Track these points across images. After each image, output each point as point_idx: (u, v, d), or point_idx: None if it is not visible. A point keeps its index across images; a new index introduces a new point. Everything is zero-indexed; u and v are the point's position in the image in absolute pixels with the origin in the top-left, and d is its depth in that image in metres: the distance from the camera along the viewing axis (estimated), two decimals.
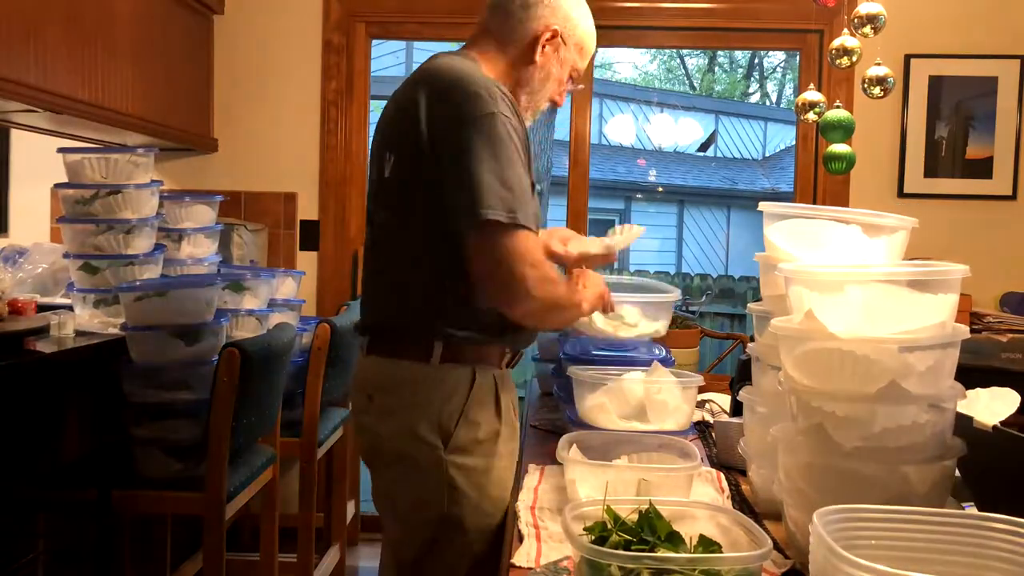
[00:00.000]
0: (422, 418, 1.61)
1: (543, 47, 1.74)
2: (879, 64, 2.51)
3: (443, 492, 1.61)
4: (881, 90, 2.51)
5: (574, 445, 1.57)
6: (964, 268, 1.18)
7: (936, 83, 3.61)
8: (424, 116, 1.59)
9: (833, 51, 2.47)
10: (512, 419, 1.73)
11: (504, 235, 1.53)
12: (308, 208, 3.75)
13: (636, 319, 2.04)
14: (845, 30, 2.41)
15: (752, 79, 13.82)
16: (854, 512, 1.00)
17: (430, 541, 1.64)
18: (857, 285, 1.20)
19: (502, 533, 1.61)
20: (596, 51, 1.91)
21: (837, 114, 2.65)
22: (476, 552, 1.65)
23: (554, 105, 1.85)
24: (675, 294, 2.12)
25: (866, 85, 2.52)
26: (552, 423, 2.11)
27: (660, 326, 2.06)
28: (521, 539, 1.35)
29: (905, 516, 1.01)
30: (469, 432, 1.63)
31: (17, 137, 3.12)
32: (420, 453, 1.61)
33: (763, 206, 1.51)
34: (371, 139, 2.01)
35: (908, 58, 3.59)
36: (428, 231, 1.61)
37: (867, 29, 2.31)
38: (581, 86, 1.94)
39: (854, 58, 2.46)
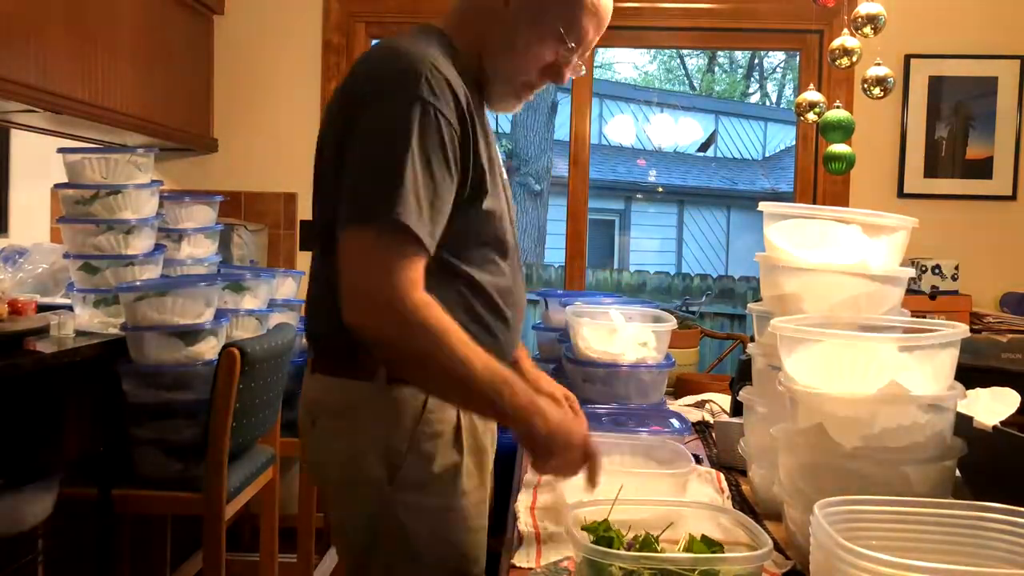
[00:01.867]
0: (367, 448, 1.36)
1: None
2: (879, 64, 2.51)
3: (391, 535, 1.35)
4: (881, 90, 2.51)
5: None
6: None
7: (936, 83, 3.61)
8: (342, 101, 1.36)
9: (833, 51, 2.47)
10: (479, 450, 1.44)
11: (374, 245, 1.25)
12: (308, 208, 3.73)
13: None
14: (845, 30, 2.41)
15: (752, 79, 13.81)
16: (855, 503, 1.01)
17: None
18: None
19: None
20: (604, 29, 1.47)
21: (837, 114, 2.66)
22: None
23: (555, 80, 1.48)
24: (672, 323, 2.21)
25: (866, 85, 2.52)
26: None
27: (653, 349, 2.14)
28: (521, 540, 1.35)
29: (905, 508, 1.02)
30: (420, 466, 1.35)
31: (17, 137, 3.12)
32: (364, 488, 1.36)
33: (763, 206, 1.51)
34: None
35: (908, 58, 3.59)
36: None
37: (867, 29, 2.31)
38: (582, 70, 1.52)
39: (854, 58, 2.46)
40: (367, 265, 1.24)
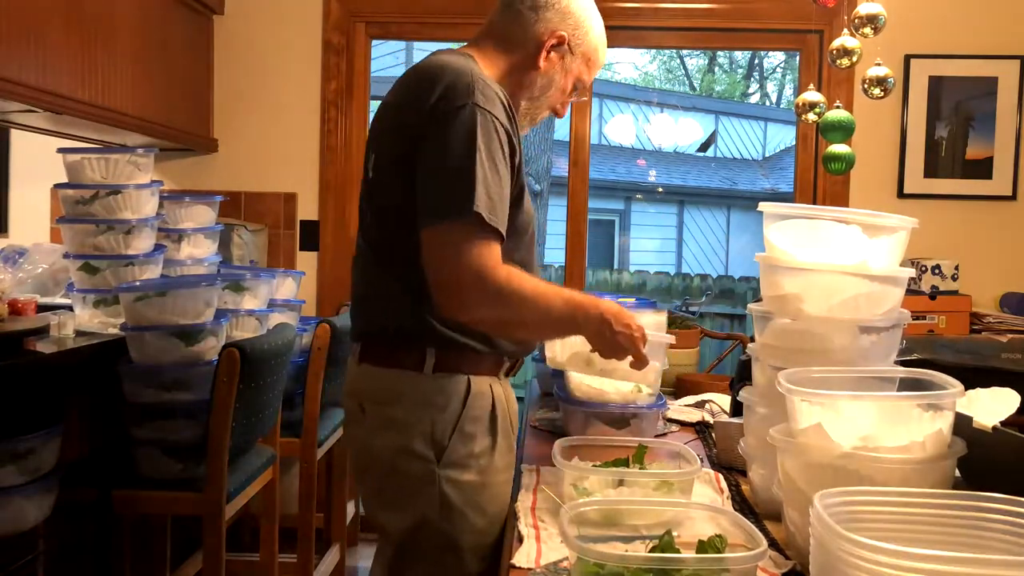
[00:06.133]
0: (415, 431, 1.54)
1: (548, 52, 1.67)
2: (879, 64, 2.51)
3: (437, 509, 1.54)
4: (881, 90, 2.51)
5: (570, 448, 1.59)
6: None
7: (936, 83, 3.61)
8: (403, 112, 1.53)
9: (833, 51, 2.47)
10: (509, 432, 1.65)
11: (454, 237, 1.43)
12: (308, 208, 3.75)
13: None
14: (845, 30, 2.41)
15: (752, 79, 13.81)
16: (854, 495, 1.01)
17: (424, 559, 1.57)
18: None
19: (498, 551, 1.55)
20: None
21: (837, 114, 2.65)
22: (472, 571, 1.57)
23: (555, 115, 1.78)
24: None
25: (866, 85, 2.52)
26: (552, 423, 2.12)
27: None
28: (521, 540, 1.35)
29: (904, 500, 1.02)
30: (464, 446, 1.55)
31: (17, 137, 3.12)
32: (413, 468, 1.54)
33: (763, 206, 1.51)
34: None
35: (908, 58, 3.59)
36: (415, 233, 1.49)
37: (867, 29, 2.31)
38: (584, 99, 1.82)
39: (854, 58, 2.46)
40: (457, 255, 1.42)
